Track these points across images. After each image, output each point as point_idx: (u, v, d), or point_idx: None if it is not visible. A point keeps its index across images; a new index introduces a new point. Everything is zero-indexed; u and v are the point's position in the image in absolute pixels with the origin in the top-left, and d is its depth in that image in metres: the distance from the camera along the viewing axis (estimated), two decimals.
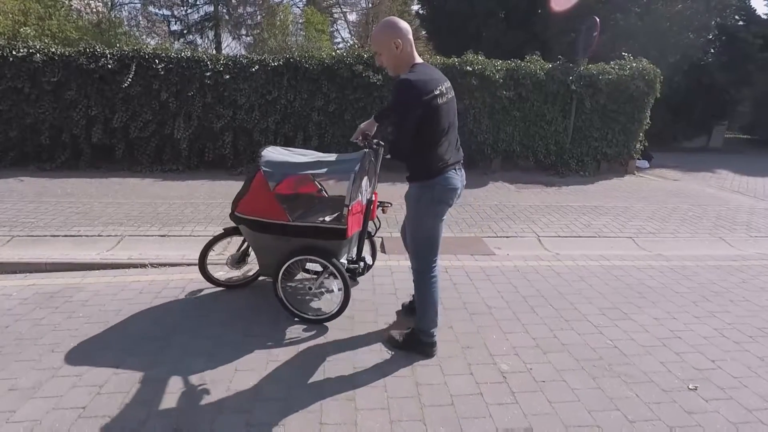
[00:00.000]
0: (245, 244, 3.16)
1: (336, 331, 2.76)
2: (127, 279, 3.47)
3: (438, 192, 2.29)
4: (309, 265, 3.25)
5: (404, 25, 2.23)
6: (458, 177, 2.36)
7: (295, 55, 7.52)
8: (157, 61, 7.09)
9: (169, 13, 20.32)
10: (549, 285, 3.51)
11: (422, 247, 2.41)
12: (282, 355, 2.51)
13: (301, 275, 3.36)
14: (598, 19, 7.74)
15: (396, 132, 2.18)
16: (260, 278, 3.31)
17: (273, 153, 2.83)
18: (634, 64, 7.98)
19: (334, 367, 2.41)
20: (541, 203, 6.02)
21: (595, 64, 8.12)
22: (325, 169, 2.72)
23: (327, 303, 3.02)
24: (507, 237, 4.67)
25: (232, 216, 2.86)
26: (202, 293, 3.21)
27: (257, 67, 7.30)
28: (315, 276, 3.23)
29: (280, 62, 7.39)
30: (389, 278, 3.52)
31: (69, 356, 2.48)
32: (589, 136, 8.18)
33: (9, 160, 7.20)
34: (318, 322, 2.84)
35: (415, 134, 2.18)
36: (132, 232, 4.35)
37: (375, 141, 2.67)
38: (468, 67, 7.54)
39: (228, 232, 3.17)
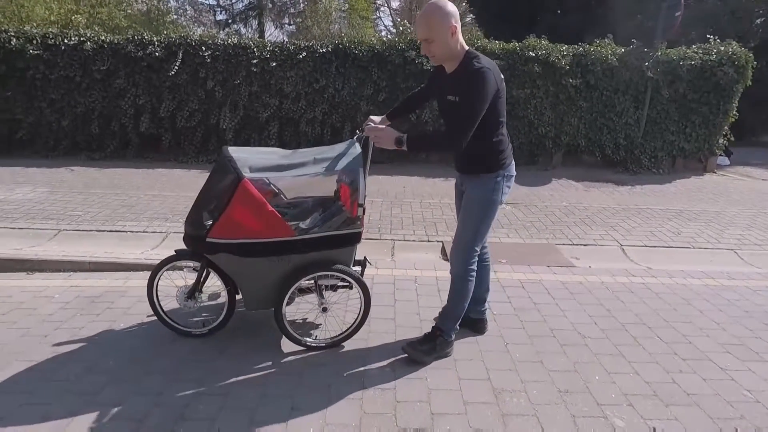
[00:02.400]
0: (204, 275, 2.46)
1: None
2: (170, 284, 3.20)
3: (505, 182, 2.25)
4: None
5: (455, 7, 2.04)
6: (513, 164, 2.33)
7: (344, 41, 7.11)
8: (203, 48, 6.87)
9: (215, 2, 20.45)
10: (649, 309, 2.97)
11: (476, 240, 2.29)
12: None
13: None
14: None
15: (464, 125, 2.02)
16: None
17: (246, 153, 2.32)
18: (722, 48, 7.06)
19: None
20: (617, 205, 5.38)
21: (674, 49, 7.26)
22: (329, 168, 2.27)
23: (333, 321, 2.61)
24: (584, 245, 4.11)
25: (204, 243, 2.22)
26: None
27: (305, 53, 6.95)
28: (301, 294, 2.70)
29: (329, 48, 7.01)
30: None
31: (108, 379, 2.20)
32: (665, 130, 7.35)
33: (61, 150, 7.23)
34: (334, 346, 2.47)
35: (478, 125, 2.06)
36: (177, 229, 4.12)
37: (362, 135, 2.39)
38: (530, 53, 6.90)
39: (180, 256, 2.46)
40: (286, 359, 2.38)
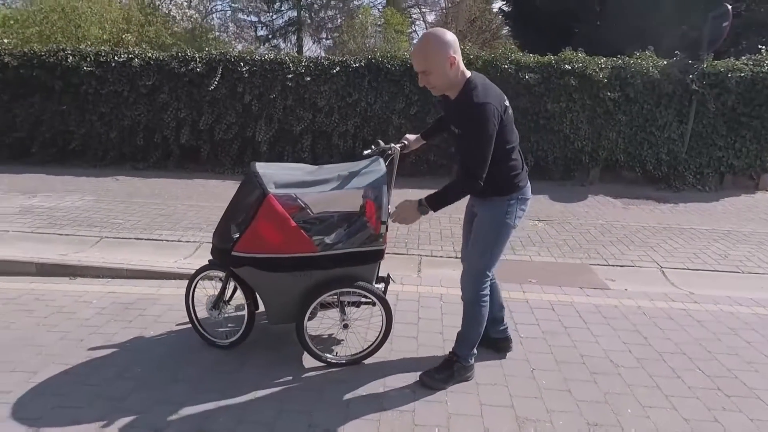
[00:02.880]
0: (229, 284, 2.54)
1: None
2: (200, 293, 3.29)
3: (519, 205, 2.19)
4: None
5: (453, 36, 1.98)
6: (529, 186, 2.26)
7: (377, 56, 7.20)
8: (241, 63, 7.12)
9: (256, 19, 21.26)
10: (690, 338, 2.79)
11: (488, 264, 2.22)
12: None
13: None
14: (730, 7, 6.56)
15: (473, 163, 1.98)
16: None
17: (272, 169, 2.38)
18: None
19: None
20: (657, 224, 5.13)
21: (722, 60, 6.92)
22: (355, 184, 2.29)
23: (355, 338, 2.58)
24: (621, 266, 3.93)
25: (229, 256, 2.28)
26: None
27: (338, 68, 7.08)
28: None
29: (362, 63, 7.12)
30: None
31: (136, 386, 2.27)
32: (711, 145, 6.98)
33: (109, 160, 7.62)
34: (354, 363, 2.45)
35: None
36: (209, 239, 4.21)
37: (389, 146, 2.47)
38: (566, 66, 6.75)
39: (212, 265, 2.55)
40: (306, 374, 2.38)
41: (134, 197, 5.74)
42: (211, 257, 2.51)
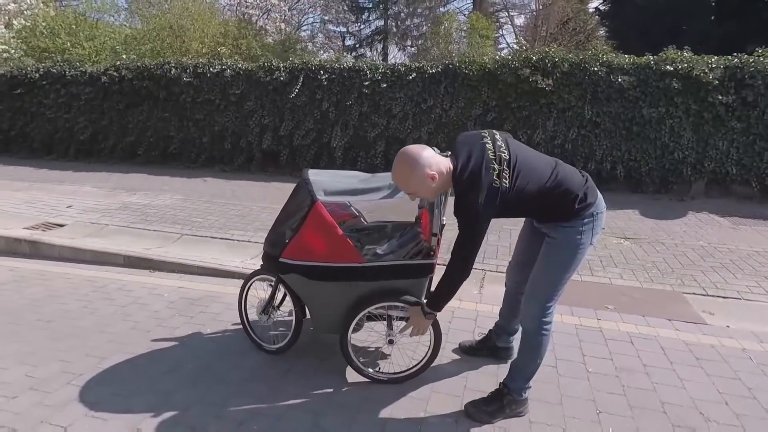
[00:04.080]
0: (278, 290, 2.54)
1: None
2: (259, 294, 3.37)
3: (595, 222, 1.92)
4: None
5: (425, 151, 1.88)
6: (600, 197, 1.97)
7: (454, 61, 7.02)
8: (322, 72, 7.35)
9: (344, 29, 22.03)
10: None
11: (556, 290, 1.99)
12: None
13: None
14: None
15: (461, 243, 1.90)
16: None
17: (324, 177, 2.33)
18: None
19: None
20: None
21: None
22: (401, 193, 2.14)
23: (402, 355, 2.43)
24: (724, 297, 3.35)
25: (277, 263, 2.27)
26: None
27: (414, 74, 7.02)
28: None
29: (438, 69, 6.98)
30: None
31: (183, 380, 2.35)
32: None
33: (201, 162, 8.30)
34: (397, 382, 2.31)
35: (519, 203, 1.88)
36: None
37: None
38: (668, 66, 6.02)
39: (264, 269, 2.55)
40: (346, 388, 2.30)
41: (217, 198, 6.14)
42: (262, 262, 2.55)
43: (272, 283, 2.56)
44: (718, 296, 3.37)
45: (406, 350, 2.51)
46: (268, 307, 2.54)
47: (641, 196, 6.17)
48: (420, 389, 2.28)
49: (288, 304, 2.61)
